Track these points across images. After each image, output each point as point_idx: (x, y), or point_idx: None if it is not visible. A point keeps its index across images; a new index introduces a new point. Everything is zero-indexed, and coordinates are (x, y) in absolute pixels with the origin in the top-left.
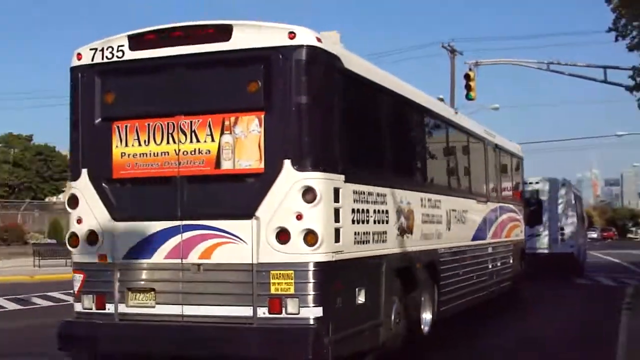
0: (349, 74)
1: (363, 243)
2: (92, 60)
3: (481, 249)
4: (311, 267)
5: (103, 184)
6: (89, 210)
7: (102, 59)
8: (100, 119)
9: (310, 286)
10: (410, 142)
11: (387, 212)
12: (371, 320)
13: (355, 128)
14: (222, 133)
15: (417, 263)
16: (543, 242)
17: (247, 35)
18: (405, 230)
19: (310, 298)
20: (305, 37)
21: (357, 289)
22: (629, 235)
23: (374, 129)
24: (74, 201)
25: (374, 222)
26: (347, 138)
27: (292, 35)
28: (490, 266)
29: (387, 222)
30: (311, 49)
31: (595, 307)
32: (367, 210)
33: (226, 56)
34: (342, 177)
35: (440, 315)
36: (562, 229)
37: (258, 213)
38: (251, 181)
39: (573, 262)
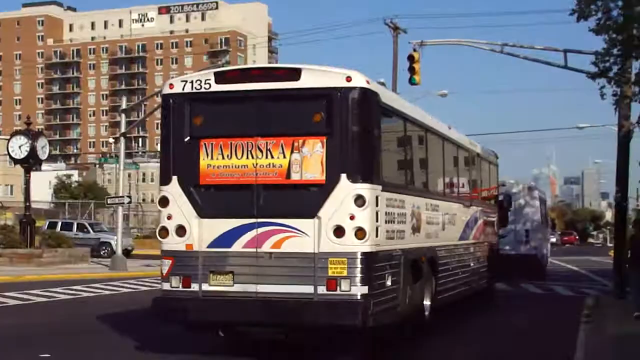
0: (384, 106)
1: (391, 239)
2: (183, 89)
3: (465, 248)
4: (359, 256)
5: (191, 188)
6: (178, 209)
7: (192, 89)
8: (189, 137)
9: (359, 270)
10: (419, 156)
11: (405, 214)
12: (394, 301)
13: (387, 148)
14: (292, 152)
15: (422, 257)
16: (508, 244)
17: (313, 77)
18: (416, 230)
19: (359, 279)
20: (359, 80)
21: (386, 275)
22: (590, 240)
23: (398, 148)
24: (164, 201)
25: (397, 222)
26: (382, 156)
27: (349, 78)
28: (471, 264)
29: (405, 222)
30: (362, 89)
31: (552, 320)
32: (394, 213)
33: (296, 92)
34: (380, 187)
35: (436, 303)
36: (526, 231)
37: (320, 214)
38: (314, 189)
39: (536, 264)
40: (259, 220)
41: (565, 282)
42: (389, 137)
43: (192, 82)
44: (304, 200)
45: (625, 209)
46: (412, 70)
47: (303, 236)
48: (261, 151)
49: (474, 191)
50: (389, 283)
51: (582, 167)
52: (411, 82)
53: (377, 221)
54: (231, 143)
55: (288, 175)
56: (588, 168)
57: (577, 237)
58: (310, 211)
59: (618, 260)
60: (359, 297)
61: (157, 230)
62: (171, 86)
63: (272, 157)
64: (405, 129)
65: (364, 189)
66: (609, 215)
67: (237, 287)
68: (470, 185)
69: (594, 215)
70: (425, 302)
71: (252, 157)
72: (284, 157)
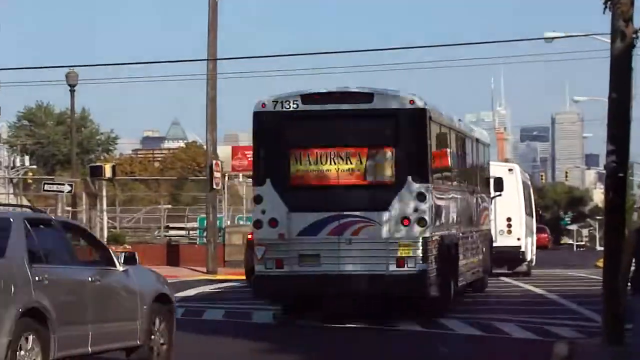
0: (433, 120)
1: (436, 227)
2: (274, 108)
3: (473, 235)
4: (421, 240)
5: (282, 188)
6: (271, 205)
7: (282, 108)
8: (280, 147)
9: (421, 251)
10: (452, 153)
11: (442, 206)
12: (438, 278)
13: (435, 153)
14: (367, 159)
15: (451, 241)
16: None
17: (383, 100)
18: (447, 219)
19: (421, 258)
20: (419, 103)
21: (435, 256)
22: (565, 240)
23: (441, 151)
24: (259, 199)
25: (439, 213)
26: (432, 160)
27: (412, 101)
28: (477, 251)
29: (442, 213)
30: (421, 110)
31: None
32: (438, 205)
33: (370, 112)
34: (432, 185)
35: (456, 285)
36: (509, 219)
37: (390, 207)
38: (386, 188)
39: (520, 257)
40: (341, 213)
41: (521, 315)
42: (436, 144)
43: (281, 102)
44: (378, 197)
45: (624, 183)
46: None
47: (377, 225)
48: (342, 158)
49: (476, 177)
50: (435, 263)
51: (552, 111)
52: None
53: (431, 212)
54: (317, 152)
55: (364, 178)
56: (562, 113)
57: (549, 237)
58: (383, 205)
59: (611, 275)
60: (421, 273)
61: (252, 222)
62: (263, 105)
63: (351, 163)
64: (440, 132)
65: (424, 187)
66: (598, 197)
67: (323, 267)
68: (474, 171)
69: (572, 196)
70: (452, 283)
71: (334, 163)
72: (361, 163)
